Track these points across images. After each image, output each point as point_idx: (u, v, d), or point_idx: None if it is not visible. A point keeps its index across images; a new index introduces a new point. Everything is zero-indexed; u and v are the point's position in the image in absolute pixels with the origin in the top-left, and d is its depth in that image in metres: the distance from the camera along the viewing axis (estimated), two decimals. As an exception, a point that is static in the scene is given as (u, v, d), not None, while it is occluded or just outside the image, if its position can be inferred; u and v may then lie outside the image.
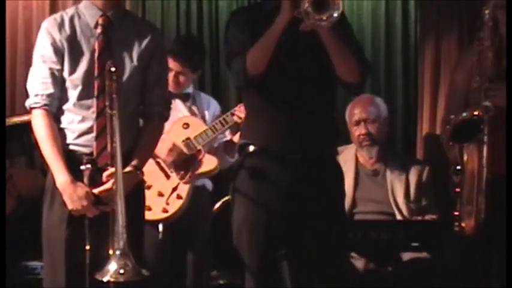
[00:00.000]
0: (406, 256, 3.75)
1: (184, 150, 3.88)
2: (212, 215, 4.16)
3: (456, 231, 2.99)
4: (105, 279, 2.62)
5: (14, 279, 4.04)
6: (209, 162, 3.93)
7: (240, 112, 3.88)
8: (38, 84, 2.88)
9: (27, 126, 3.99)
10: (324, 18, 2.73)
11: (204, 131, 3.90)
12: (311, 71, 2.93)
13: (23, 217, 3.98)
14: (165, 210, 3.79)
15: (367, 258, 3.77)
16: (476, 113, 2.95)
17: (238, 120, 3.89)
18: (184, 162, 3.88)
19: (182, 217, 3.85)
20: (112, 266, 2.63)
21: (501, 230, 2.96)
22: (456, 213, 3.00)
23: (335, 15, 2.71)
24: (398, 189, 3.95)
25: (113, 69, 2.77)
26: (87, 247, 2.74)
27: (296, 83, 2.92)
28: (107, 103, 2.77)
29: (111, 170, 2.77)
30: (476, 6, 3.13)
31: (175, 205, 3.82)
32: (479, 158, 2.97)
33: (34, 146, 4.34)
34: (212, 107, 4.15)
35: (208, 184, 4.09)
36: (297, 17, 2.78)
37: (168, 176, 3.87)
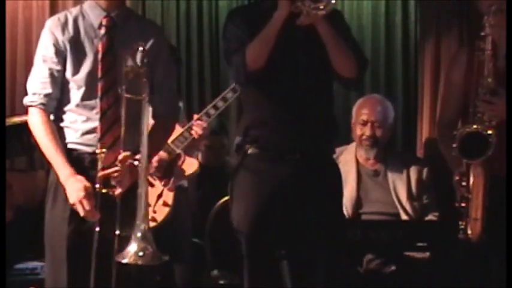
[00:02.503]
0: (407, 256, 3.74)
1: (164, 156, 3.86)
2: (192, 211, 4.17)
3: (461, 238, 3.01)
4: (124, 261, 2.61)
5: (14, 280, 4.04)
6: (191, 165, 3.95)
7: (196, 127, 3.90)
8: (36, 83, 2.89)
9: (27, 126, 4.06)
10: (322, 7, 2.74)
11: (181, 133, 3.90)
12: (309, 67, 2.93)
13: (22, 225, 3.98)
14: (153, 219, 3.78)
15: (367, 258, 3.76)
16: (490, 132, 2.96)
17: (196, 136, 3.90)
18: (167, 169, 3.87)
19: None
20: (132, 248, 2.63)
21: (503, 231, 2.97)
22: (461, 222, 3.01)
23: (333, 1, 2.72)
24: (401, 188, 3.94)
25: (140, 48, 2.76)
26: (97, 229, 2.75)
27: (294, 80, 2.92)
28: (123, 86, 2.77)
29: (125, 153, 2.77)
30: (476, 6, 3.13)
31: (162, 213, 3.83)
32: (485, 170, 2.98)
33: (34, 146, 4.37)
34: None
35: (184, 182, 4.07)
36: (294, 12, 2.79)
37: (151, 185, 3.84)
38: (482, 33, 3.02)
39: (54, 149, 2.83)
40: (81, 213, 2.75)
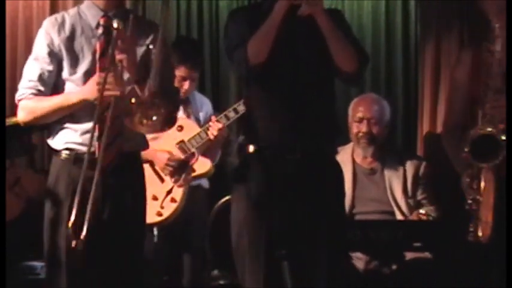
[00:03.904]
0: (407, 256, 3.76)
1: (179, 153, 3.93)
2: (209, 213, 4.19)
3: (471, 240, 2.97)
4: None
5: (15, 279, 4.04)
6: (203, 165, 3.98)
7: (213, 128, 3.94)
8: (26, 81, 2.93)
9: (28, 126, 4.07)
10: None
11: (198, 133, 3.95)
12: (310, 64, 2.94)
13: (32, 219, 3.92)
14: (159, 214, 3.84)
15: (367, 258, 3.79)
16: (504, 138, 2.92)
17: (211, 137, 3.95)
18: (178, 166, 3.92)
19: (179, 218, 3.89)
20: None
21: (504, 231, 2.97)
22: (471, 225, 2.97)
23: None
24: (396, 185, 3.96)
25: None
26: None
27: (295, 77, 2.93)
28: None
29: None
30: (480, 7, 3.11)
31: (169, 208, 3.87)
32: (496, 174, 2.95)
33: (34, 146, 4.41)
34: (205, 107, 4.18)
35: (205, 182, 4.13)
36: (294, 4, 2.81)
37: (162, 180, 3.91)
38: (491, 35, 3.00)
39: (54, 98, 2.86)
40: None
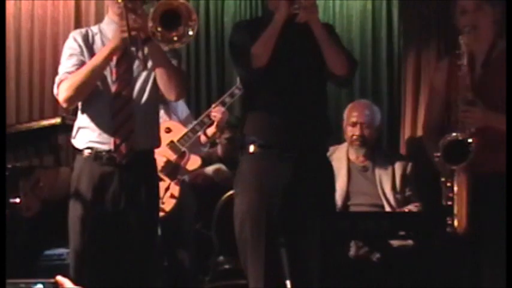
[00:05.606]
0: (393, 244, 3.91)
1: (171, 153, 4.15)
2: (196, 202, 4.37)
3: (449, 232, 3.11)
4: None
5: (42, 265, 4.30)
6: (194, 162, 4.24)
7: (215, 112, 4.17)
8: (65, 68, 3.04)
9: (54, 128, 4.30)
10: None
11: (186, 133, 4.18)
12: (306, 68, 3.06)
13: (48, 215, 4.13)
14: (162, 210, 3.94)
15: (357, 245, 3.98)
16: (470, 140, 3.05)
17: (214, 119, 4.18)
18: (172, 170, 4.15)
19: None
20: None
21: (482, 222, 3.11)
22: (448, 218, 3.12)
23: None
24: (386, 182, 4.14)
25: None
26: None
27: (293, 80, 3.04)
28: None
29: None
30: (454, 21, 3.28)
31: (170, 204, 4.07)
32: (467, 173, 3.09)
33: (60, 146, 4.57)
34: (180, 105, 4.36)
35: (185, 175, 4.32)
36: (293, 12, 2.96)
37: (160, 179, 4.02)
38: (458, 51, 3.11)
39: (87, 64, 2.98)
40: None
